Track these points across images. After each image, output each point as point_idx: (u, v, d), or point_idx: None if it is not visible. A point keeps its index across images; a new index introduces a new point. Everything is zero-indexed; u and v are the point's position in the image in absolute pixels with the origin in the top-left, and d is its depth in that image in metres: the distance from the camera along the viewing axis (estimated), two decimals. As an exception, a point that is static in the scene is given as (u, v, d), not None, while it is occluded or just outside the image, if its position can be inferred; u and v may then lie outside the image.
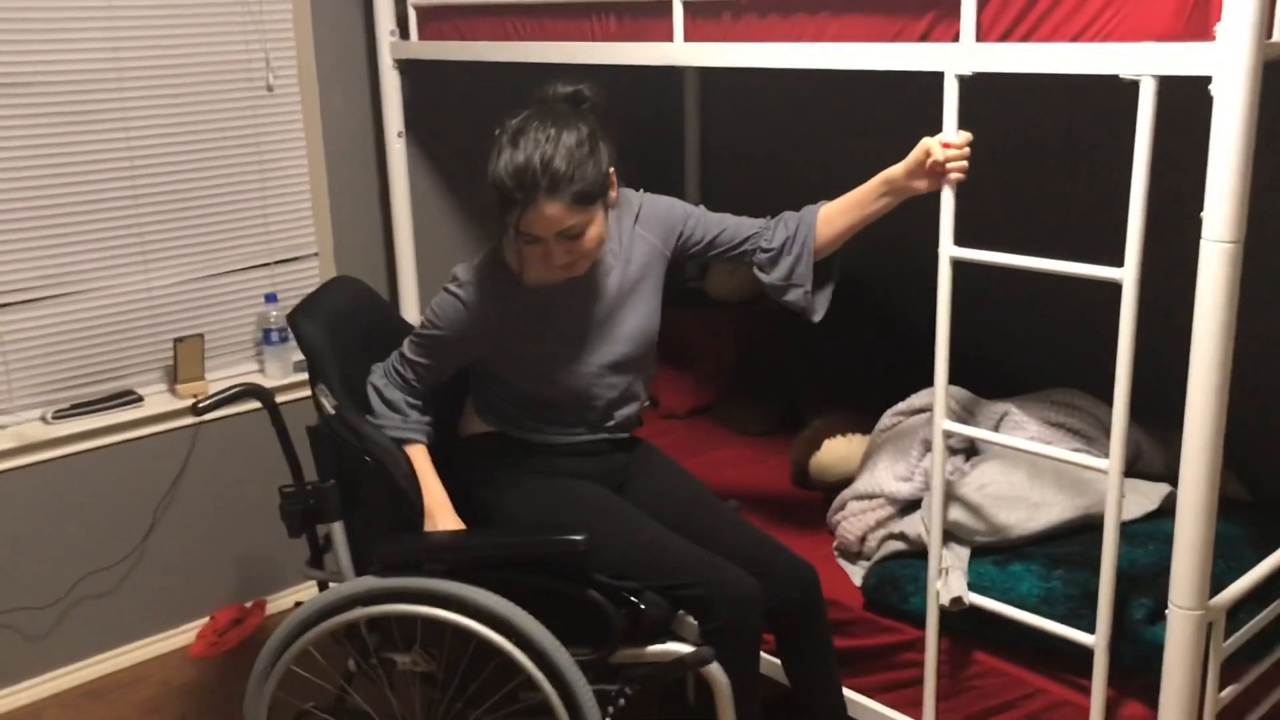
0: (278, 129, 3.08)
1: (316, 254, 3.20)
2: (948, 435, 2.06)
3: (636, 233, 2.15)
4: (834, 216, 2.13)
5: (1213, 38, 1.59)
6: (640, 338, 2.15)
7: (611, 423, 2.19)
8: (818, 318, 2.18)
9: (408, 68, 3.07)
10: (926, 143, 1.95)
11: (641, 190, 2.20)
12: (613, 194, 2.00)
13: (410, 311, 3.19)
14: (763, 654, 2.17)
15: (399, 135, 3.10)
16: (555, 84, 1.99)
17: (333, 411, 2.01)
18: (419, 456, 2.10)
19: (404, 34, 3.01)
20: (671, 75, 3.69)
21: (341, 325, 2.11)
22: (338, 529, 2.09)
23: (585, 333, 2.11)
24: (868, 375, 3.01)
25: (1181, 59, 1.62)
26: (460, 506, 2.11)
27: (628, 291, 2.14)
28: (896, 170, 2.02)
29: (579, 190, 1.88)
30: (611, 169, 1.97)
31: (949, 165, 1.92)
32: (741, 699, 2.03)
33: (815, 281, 2.16)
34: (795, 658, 2.16)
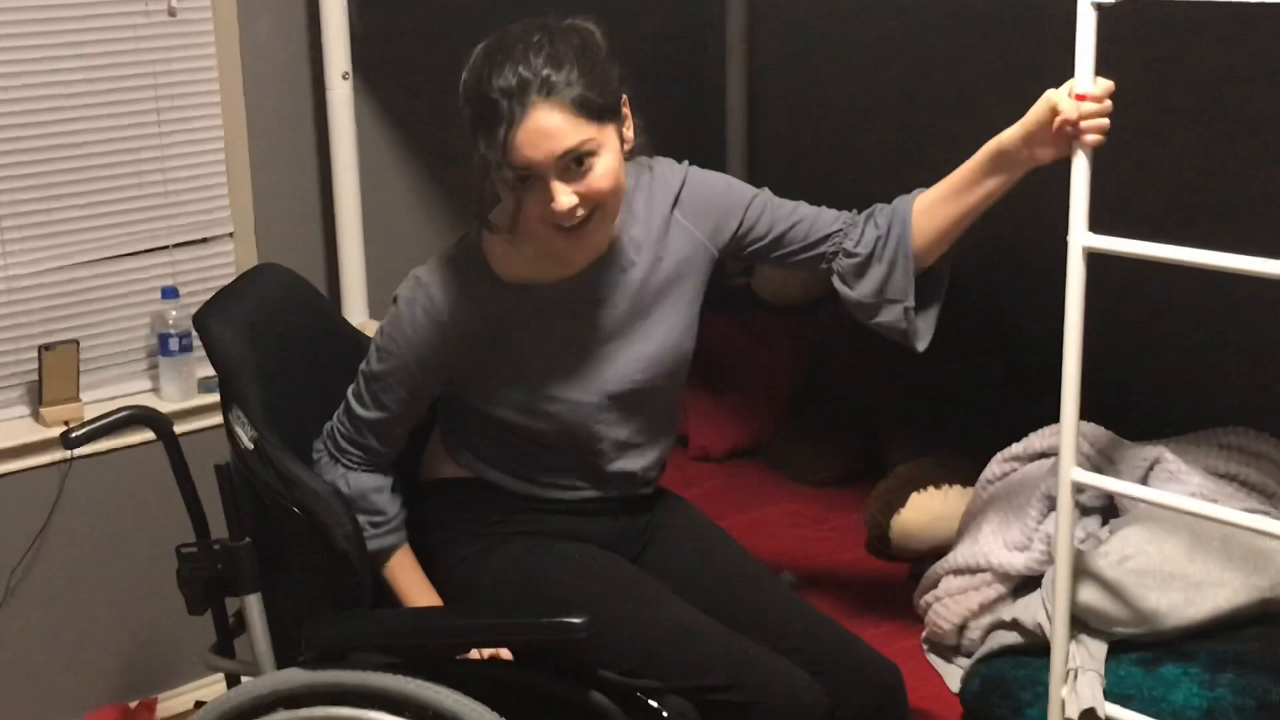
0: (182, 66, 3.10)
1: (232, 234, 3.23)
2: (1078, 489, 2.05)
3: (675, 220, 2.16)
4: (934, 207, 2.13)
5: None
6: (666, 360, 2.16)
7: (623, 475, 2.20)
8: (922, 345, 2.18)
9: (358, -14, 3.10)
10: (1052, 96, 1.94)
11: (686, 163, 2.22)
12: (628, 129, 2.05)
13: (356, 312, 3.21)
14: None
15: (344, 77, 3.12)
16: (553, 14, 2.02)
17: (251, 446, 2.02)
18: (404, 567, 2.15)
19: (353, -59, 3.05)
20: (708, 6, 3.71)
21: (266, 330, 2.12)
22: (254, 604, 2.09)
23: (590, 349, 2.12)
24: (970, 406, 3.02)
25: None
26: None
27: (654, 297, 2.14)
28: (1011, 135, 2.02)
29: (583, 95, 1.93)
30: (625, 98, 2.04)
31: (1083, 124, 1.92)
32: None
33: (919, 298, 2.16)
34: None
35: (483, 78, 1.94)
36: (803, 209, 2.21)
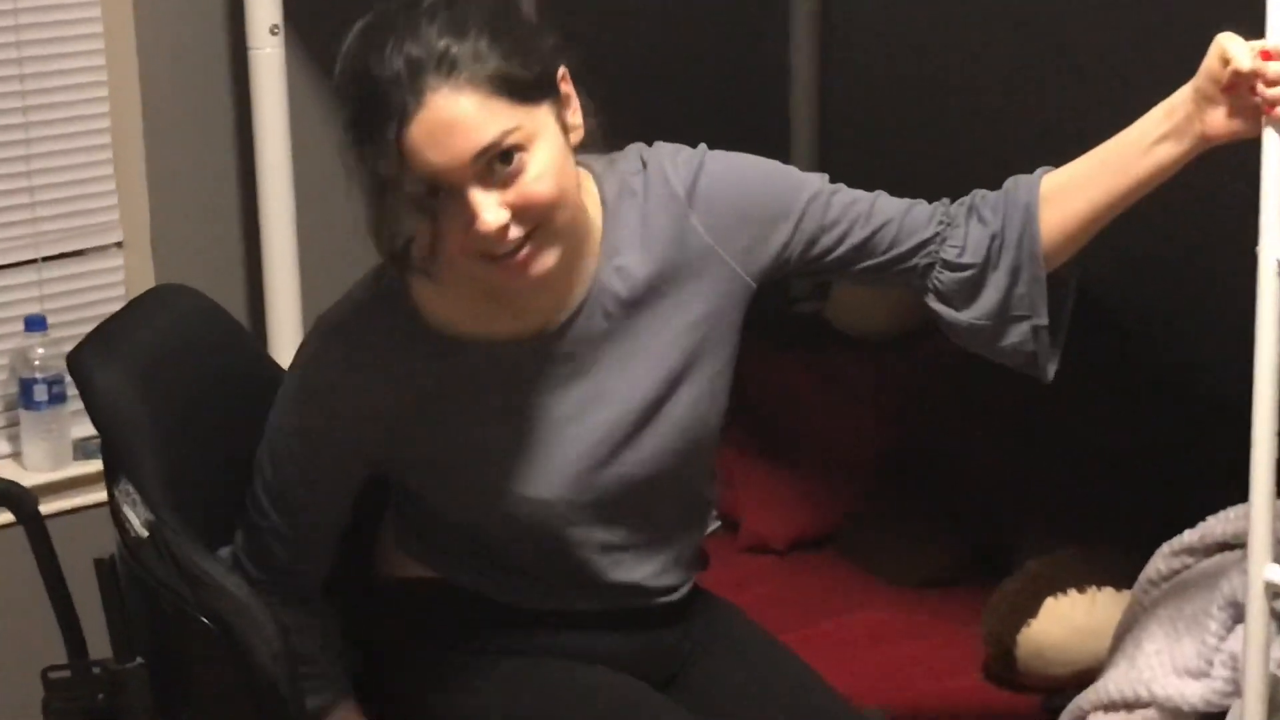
0: (53, 21, 3.14)
1: (121, 244, 3.27)
2: (1276, 593, 2.05)
3: (688, 231, 2.08)
4: (1070, 191, 2.10)
5: None
6: (673, 443, 2.11)
7: (626, 587, 2.19)
8: (1052, 374, 2.17)
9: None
10: (1225, 43, 1.94)
11: (702, 149, 2.14)
12: (572, 112, 1.98)
13: (288, 347, 3.20)
14: None
15: (272, 32, 3.15)
16: None
17: (144, 533, 2.02)
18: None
19: None
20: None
21: (166, 375, 2.14)
22: (147, 746, 2.10)
23: (558, 429, 2.08)
24: (1125, 480, 3.02)
25: None
26: (374, 701, 2.14)
27: (669, 343, 2.09)
28: (1181, 98, 2.01)
29: (500, 70, 1.87)
30: (564, 70, 1.97)
31: (1269, 92, 1.92)
32: None
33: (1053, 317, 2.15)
34: None
35: (361, 63, 1.91)
36: (883, 205, 2.13)
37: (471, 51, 1.86)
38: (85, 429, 3.15)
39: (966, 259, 2.13)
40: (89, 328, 2.24)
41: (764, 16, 3.77)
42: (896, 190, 2.22)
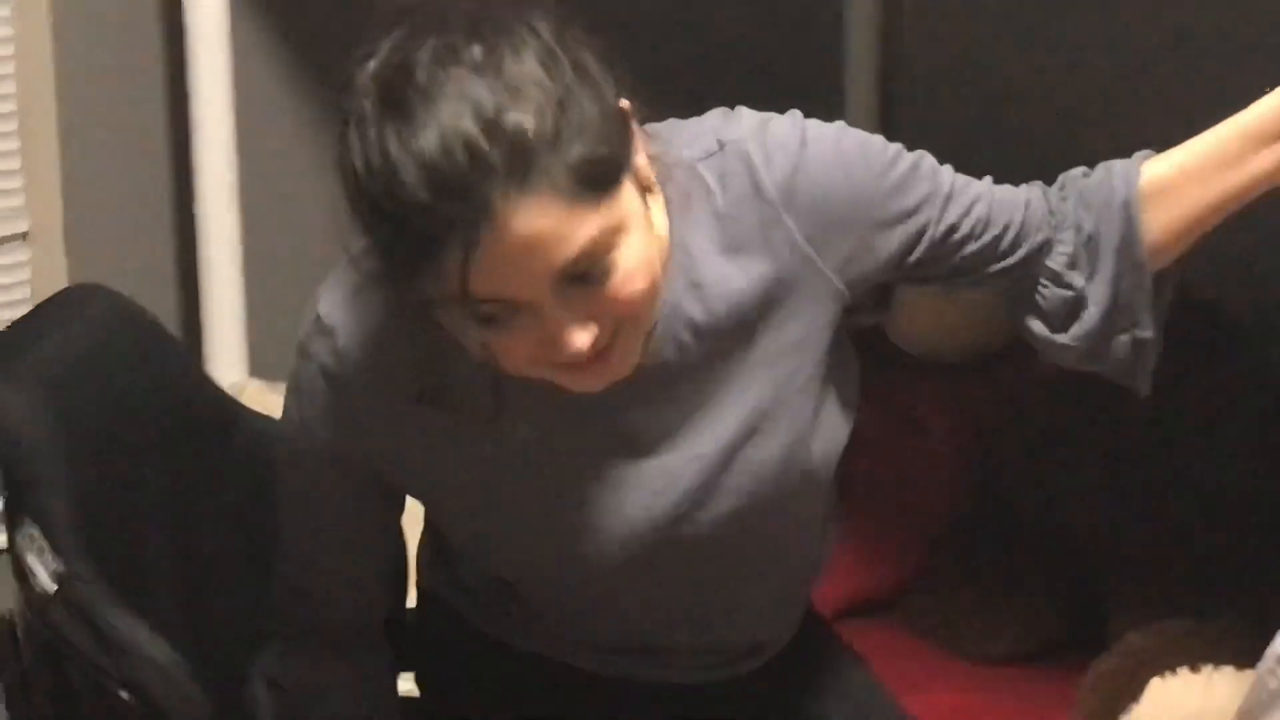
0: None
1: (25, 235, 3.30)
2: None
3: (778, 230, 1.99)
4: (1178, 185, 2.10)
5: None
6: (766, 484, 2.06)
7: (720, 666, 2.22)
8: (1148, 386, 2.17)
9: None
10: None
11: (796, 117, 2.02)
12: (641, 156, 1.84)
13: (225, 365, 3.24)
14: None
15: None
16: None
17: (53, 587, 2.02)
18: None
19: None
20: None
21: (83, 396, 2.14)
22: None
23: (614, 467, 2.04)
24: (1244, 540, 3.03)
25: None
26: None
27: (751, 370, 2.04)
28: (1265, 110, 2.03)
29: (583, 156, 1.72)
30: (626, 103, 1.82)
31: None
32: None
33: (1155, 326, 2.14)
34: None
35: (389, 155, 1.71)
36: (1002, 202, 2.08)
37: (546, 136, 1.70)
38: (-20, 462, 3.18)
39: (1075, 282, 2.11)
40: (-13, 334, 2.24)
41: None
42: (958, 159, 2.16)
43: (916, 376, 3.41)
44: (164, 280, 3.37)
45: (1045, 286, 2.12)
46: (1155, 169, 2.10)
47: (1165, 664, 2.76)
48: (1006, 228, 2.07)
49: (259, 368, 3.28)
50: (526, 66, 1.70)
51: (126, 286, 2.41)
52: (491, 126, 1.66)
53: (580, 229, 1.71)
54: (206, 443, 2.30)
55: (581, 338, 1.74)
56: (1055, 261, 2.11)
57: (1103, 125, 3.22)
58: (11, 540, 2.07)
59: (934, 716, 2.96)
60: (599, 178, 1.72)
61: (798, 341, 2.02)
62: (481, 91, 1.67)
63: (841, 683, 2.35)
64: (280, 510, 2.13)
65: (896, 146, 2.02)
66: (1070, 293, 2.11)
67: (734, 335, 1.99)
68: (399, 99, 1.69)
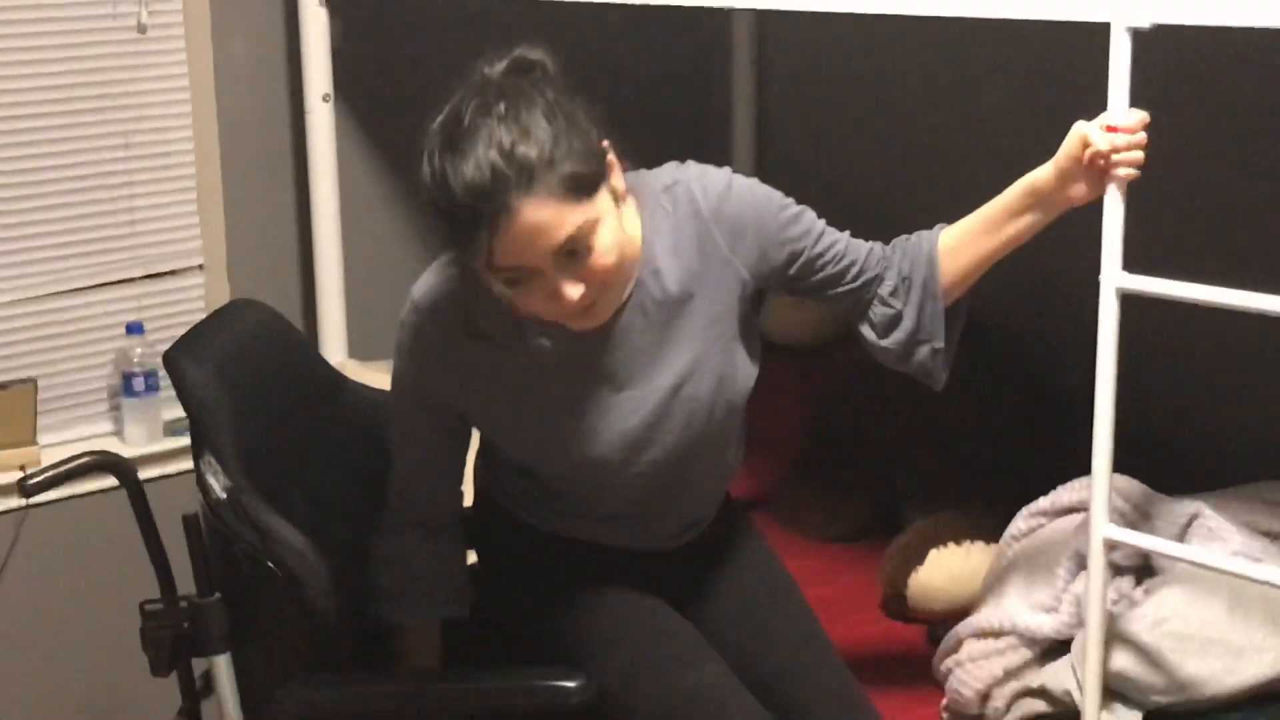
0: (152, 86, 3.13)
1: (202, 266, 3.25)
2: (1110, 546, 2.06)
3: (711, 245, 2.04)
4: (961, 245, 2.11)
5: None
6: (721, 405, 2.09)
7: (673, 536, 2.20)
8: (943, 383, 2.18)
9: (340, 4, 3.11)
10: (1082, 128, 1.95)
11: (728, 171, 2.09)
12: (616, 177, 1.92)
13: (333, 350, 3.22)
14: None
15: (325, 99, 3.15)
16: (486, 61, 1.92)
17: (223, 496, 2.02)
18: (418, 644, 2.15)
19: (335, -45, 3.08)
20: (714, 32, 3.74)
21: (241, 371, 2.13)
22: (223, 665, 2.09)
23: (604, 393, 2.05)
24: (993, 458, 3.02)
25: None
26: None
27: (698, 333, 2.06)
28: (1044, 173, 2.02)
29: (570, 172, 1.80)
30: (605, 141, 1.90)
31: (1115, 159, 1.93)
32: None
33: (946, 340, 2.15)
34: None
35: (445, 174, 1.81)
36: (851, 247, 2.12)
37: (546, 159, 1.79)
38: (173, 412, 3.15)
39: (894, 303, 2.13)
40: (176, 333, 2.22)
41: (708, 81, 3.77)
42: (821, 208, 2.19)
43: (780, 357, 3.38)
44: (291, 293, 3.34)
45: (875, 306, 2.14)
46: (947, 234, 2.13)
47: (940, 541, 2.75)
48: (854, 263, 2.11)
49: (355, 350, 3.26)
50: (534, 117, 1.82)
51: (267, 298, 2.41)
52: (508, 155, 1.78)
53: (569, 219, 1.81)
54: (321, 402, 2.29)
55: (574, 292, 1.84)
56: (883, 290, 2.13)
57: (916, 197, 3.22)
58: (196, 465, 2.07)
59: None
60: (581, 186, 1.82)
61: (721, 312, 2.06)
62: (503, 134, 1.79)
63: (749, 545, 2.34)
64: (391, 438, 2.15)
65: (790, 200, 2.09)
66: (891, 311, 2.13)
67: (678, 306, 2.03)
68: (451, 138, 1.82)
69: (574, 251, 1.84)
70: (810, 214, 2.11)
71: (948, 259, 2.12)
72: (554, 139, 1.81)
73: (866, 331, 2.16)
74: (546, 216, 1.80)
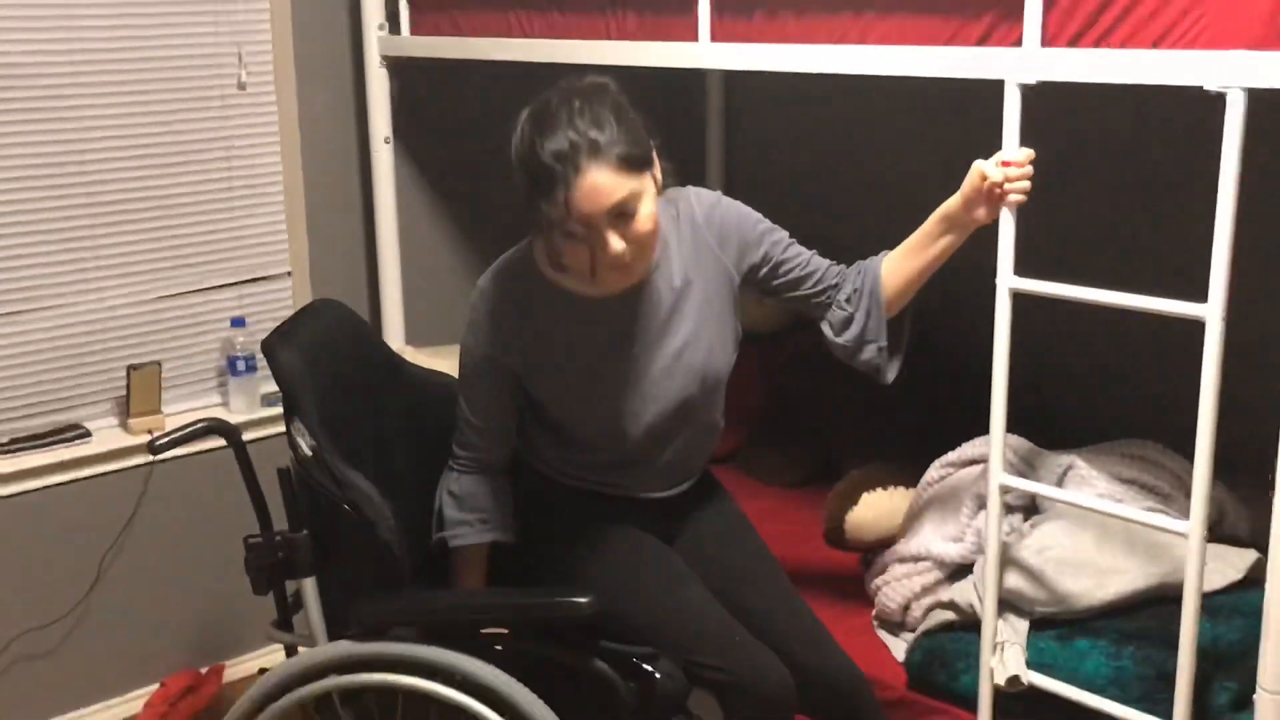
0: (250, 132, 3.11)
1: (290, 273, 3.23)
2: (1004, 490, 2.06)
3: (703, 244, 2.10)
4: (896, 265, 2.13)
5: (1310, 47, 1.61)
6: (694, 372, 2.10)
7: (671, 485, 2.20)
8: (890, 378, 2.18)
9: (398, 66, 3.10)
10: (980, 166, 1.96)
11: (719, 193, 2.16)
12: (658, 171, 1.98)
13: (395, 338, 3.21)
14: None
15: (386, 141, 3.13)
16: (572, 76, 2.00)
17: (309, 452, 2.01)
18: (470, 564, 2.16)
19: (394, 28, 3.05)
20: (692, 83, 3.72)
21: (322, 354, 2.12)
22: (310, 586, 2.09)
23: (624, 353, 2.08)
24: (914, 421, 3.02)
25: (1274, 70, 1.63)
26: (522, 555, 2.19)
27: (694, 314, 2.09)
28: (953, 202, 2.03)
29: (625, 152, 1.88)
30: (654, 142, 1.98)
31: (1008, 187, 1.94)
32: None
33: (889, 341, 2.15)
34: None
35: (534, 144, 1.89)
36: (814, 260, 2.16)
37: (609, 139, 1.87)
38: (268, 387, 3.15)
39: (848, 307, 2.15)
40: (270, 326, 2.22)
41: (683, 117, 3.77)
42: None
43: (746, 342, 3.40)
44: (360, 293, 3.33)
45: (833, 310, 2.17)
46: (888, 258, 2.15)
47: (870, 486, 2.76)
48: (814, 271, 2.15)
49: (411, 338, 3.25)
50: (602, 112, 1.89)
51: (341, 297, 2.40)
52: (583, 134, 1.87)
53: (622, 186, 1.88)
54: (385, 378, 2.28)
55: (619, 245, 1.90)
56: (840, 297, 2.16)
57: (865, 218, 3.22)
58: (287, 429, 2.06)
59: (751, 512, 2.95)
60: (633, 164, 1.89)
61: (712, 298, 2.10)
62: (580, 119, 1.88)
63: (721, 501, 2.33)
64: (460, 393, 2.16)
65: (766, 219, 2.15)
66: (845, 314, 2.15)
67: (682, 290, 2.07)
68: (540, 121, 1.90)
69: (623, 214, 1.90)
70: (782, 231, 2.16)
71: (888, 277, 2.13)
72: (615, 127, 1.89)
73: (826, 329, 2.18)
74: (606, 180, 1.87)
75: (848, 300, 2.14)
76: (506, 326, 2.06)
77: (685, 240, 2.09)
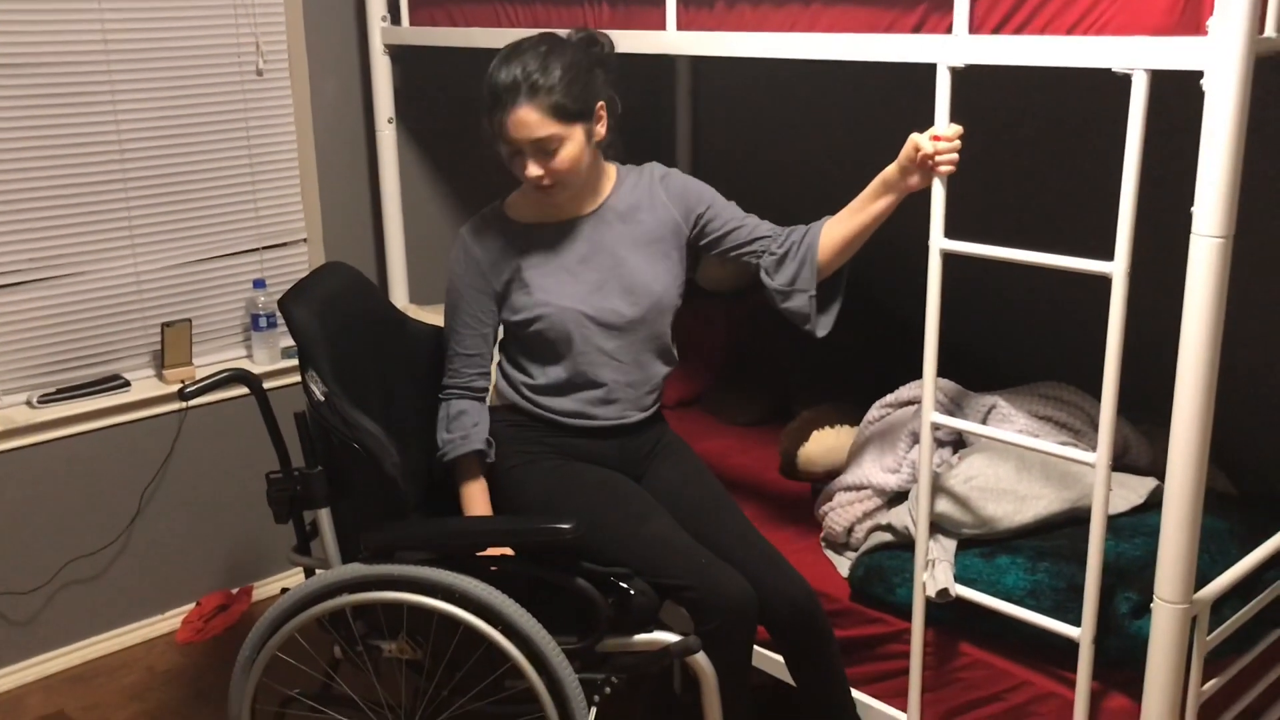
0: (267, 114, 3.07)
1: (305, 239, 3.19)
2: (935, 427, 2.06)
3: (657, 195, 2.18)
4: (838, 223, 2.13)
5: (1205, 33, 1.60)
6: (640, 297, 2.14)
7: (621, 404, 2.20)
8: (821, 332, 2.17)
9: (398, 53, 3.06)
10: (915, 138, 1.95)
11: (674, 168, 2.25)
12: (600, 126, 2.07)
13: (399, 297, 3.19)
14: (765, 651, 2.17)
15: (389, 121, 3.10)
16: (575, 29, 2.11)
17: (322, 398, 2.00)
18: (468, 474, 2.16)
19: (395, 19, 3.01)
20: (662, 68, 3.68)
21: (333, 312, 2.10)
22: (324, 515, 2.08)
23: (578, 274, 2.13)
24: (857, 368, 3.01)
25: (1173, 53, 1.63)
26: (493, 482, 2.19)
27: (640, 245, 2.15)
28: (890, 169, 2.03)
29: (556, 102, 1.97)
30: (602, 103, 2.05)
31: (939, 159, 1.93)
32: (729, 691, 2.03)
33: (821, 297, 2.15)
34: (798, 673, 2.16)
35: (495, 68, 2.00)
36: (748, 216, 2.21)
37: (546, 88, 1.97)
38: (287, 342, 3.13)
39: (778, 250, 2.16)
40: (288, 285, 2.21)
41: (655, 98, 3.74)
42: (747, 206, 2.24)
43: (708, 299, 3.38)
44: (367, 257, 3.30)
45: (767, 256, 2.18)
46: (831, 219, 2.15)
47: (820, 424, 2.76)
48: (750, 224, 2.19)
49: (414, 296, 3.24)
50: (556, 62, 1.98)
51: (351, 261, 2.39)
52: (527, 75, 1.98)
53: (543, 127, 1.98)
54: (389, 334, 2.26)
55: (535, 171, 2.03)
56: (775, 247, 2.17)
57: (816, 188, 3.20)
58: (302, 378, 2.04)
59: (715, 449, 2.96)
60: (561, 114, 1.98)
61: (657, 237, 2.17)
62: (531, 62, 1.99)
63: (677, 444, 2.33)
64: (446, 327, 2.20)
65: (708, 185, 2.21)
66: (776, 257, 2.17)
67: (628, 216, 2.16)
68: (510, 51, 2.02)
69: (544, 150, 2.00)
70: (724, 198, 2.20)
71: (829, 232, 2.13)
72: (559, 78, 1.98)
73: (763, 275, 2.19)
74: (532, 119, 1.98)
75: (785, 251, 2.15)
76: (481, 258, 2.15)
77: (642, 186, 2.18)
